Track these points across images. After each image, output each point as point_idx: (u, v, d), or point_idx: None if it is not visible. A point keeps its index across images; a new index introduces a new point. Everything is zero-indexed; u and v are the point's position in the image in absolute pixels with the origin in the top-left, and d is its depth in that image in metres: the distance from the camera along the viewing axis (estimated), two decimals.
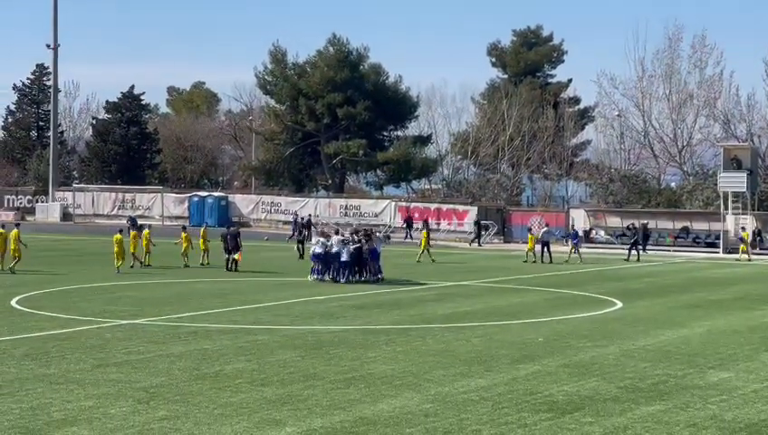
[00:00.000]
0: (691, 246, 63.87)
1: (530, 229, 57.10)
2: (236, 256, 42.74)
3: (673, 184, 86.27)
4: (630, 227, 62.00)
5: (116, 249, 41.97)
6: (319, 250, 38.41)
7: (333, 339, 23.82)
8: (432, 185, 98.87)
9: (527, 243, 53.74)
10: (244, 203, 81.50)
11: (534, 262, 50.93)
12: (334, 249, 38.26)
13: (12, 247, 41.40)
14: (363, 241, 38.92)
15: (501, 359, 21.26)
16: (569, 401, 17.29)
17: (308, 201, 79.84)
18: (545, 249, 51.59)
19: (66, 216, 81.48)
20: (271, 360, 20.75)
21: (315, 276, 38.58)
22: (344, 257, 38.00)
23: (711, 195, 73.26)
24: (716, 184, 67.73)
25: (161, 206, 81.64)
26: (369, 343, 23.15)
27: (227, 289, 35.60)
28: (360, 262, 38.80)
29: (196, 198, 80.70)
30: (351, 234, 40.45)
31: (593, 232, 68.23)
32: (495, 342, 23.74)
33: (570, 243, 55.97)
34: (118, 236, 42.31)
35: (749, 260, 56.25)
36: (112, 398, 16.89)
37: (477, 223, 68.11)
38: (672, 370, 20.35)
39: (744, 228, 60.89)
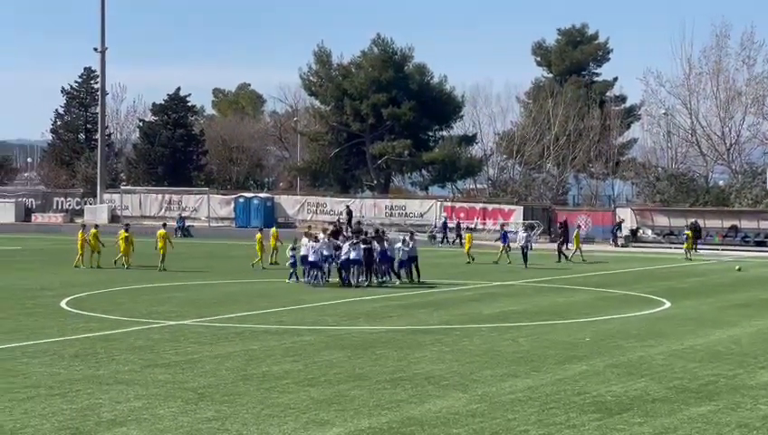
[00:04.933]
0: (740, 245, 63.21)
1: (579, 227, 56.72)
2: None
3: (721, 182, 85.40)
4: (561, 224, 59.50)
5: (257, 247, 44.78)
6: (312, 258, 36.88)
7: (379, 339, 23.82)
8: (477, 185, 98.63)
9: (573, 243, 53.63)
10: (289, 204, 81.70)
11: (583, 260, 50.99)
12: (344, 250, 37.18)
13: (160, 245, 43.81)
14: (374, 243, 37.89)
15: (548, 359, 21.16)
16: (617, 401, 17.17)
17: (353, 202, 79.90)
18: (524, 253, 47.72)
19: (114, 217, 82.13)
20: (317, 360, 20.78)
21: (307, 279, 37.17)
22: (353, 255, 36.87)
23: (760, 193, 72.52)
24: (765, 182, 67.02)
25: (207, 207, 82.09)
26: (416, 344, 23.13)
27: (273, 290, 35.72)
28: (370, 264, 37.58)
29: (241, 199, 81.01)
30: (357, 234, 39.63)
31: (640, 231, 67.79)
32: (542, 341, 23.63)
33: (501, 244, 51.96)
34: (260, 235, 45.58)
35: (685, 258, 54.81)
36: (161, 398, 17.00)
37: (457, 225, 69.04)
38: (722, 370, 20.15)
39: (687, 226, 59.81)
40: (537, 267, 47.06)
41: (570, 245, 54.32)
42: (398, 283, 38.22)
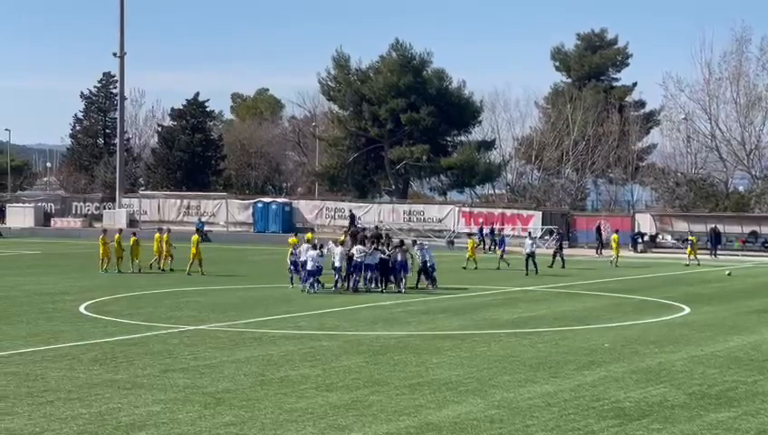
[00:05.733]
0: (760, 251, 62.91)
1: (617, 231, 56.25)
2: None
3: (741, 188, 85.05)
4: (556, 230, 58.85)
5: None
6: (311, 266, 36.03)
7: (398, 344, 23.80)
8: (496, 190, 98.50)
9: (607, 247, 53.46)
10: (307, 209, 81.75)
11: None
12: (356, 258, 36.98)
13: (193, 251, 44.35)
14: (394, 251, 37.68)
15: (567, 365, 21.10)
16: (636, 407, 17.10)
17: (371, 207, 79.90)
18: (530, 260, 46.84)
19: (132, 222, 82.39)
20: (336, 365, 20.78)
21: (312, 288, 36.16)
22: (368, 261, 36.83)
23: None
24: None
25: (226, 212, 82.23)
26: (434, 349, 23.10)
27: (291, 295, 35.73)
28: (384, 272, 37.39)
29: (260, 204, 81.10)
30: (375, 241, 39.22)
31: (660, 236, 67.52)
32: (561, 347, 23.57)
33: (497, 249, 52.39)
34: (294, 239, 44.96)
35: (697, 264, 54.02)
36: (179, 403, 17.03)
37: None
38: (741, 376, 20.05)
39: (691, 232, 59.43)
40: (554, 274, 46.97)
41: (606, 250, 53.81)
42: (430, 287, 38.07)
